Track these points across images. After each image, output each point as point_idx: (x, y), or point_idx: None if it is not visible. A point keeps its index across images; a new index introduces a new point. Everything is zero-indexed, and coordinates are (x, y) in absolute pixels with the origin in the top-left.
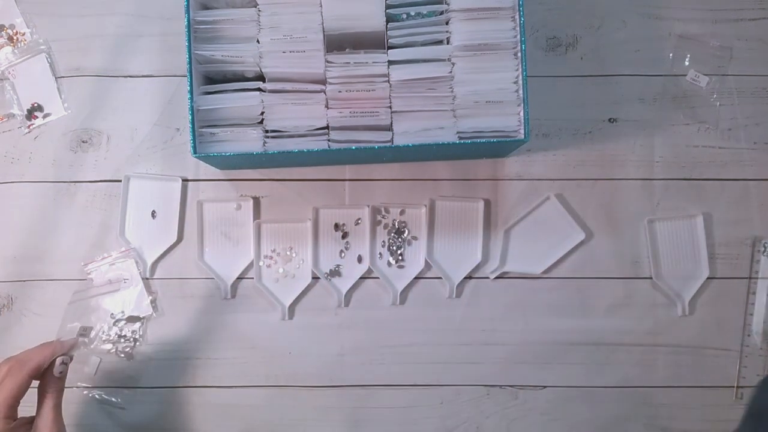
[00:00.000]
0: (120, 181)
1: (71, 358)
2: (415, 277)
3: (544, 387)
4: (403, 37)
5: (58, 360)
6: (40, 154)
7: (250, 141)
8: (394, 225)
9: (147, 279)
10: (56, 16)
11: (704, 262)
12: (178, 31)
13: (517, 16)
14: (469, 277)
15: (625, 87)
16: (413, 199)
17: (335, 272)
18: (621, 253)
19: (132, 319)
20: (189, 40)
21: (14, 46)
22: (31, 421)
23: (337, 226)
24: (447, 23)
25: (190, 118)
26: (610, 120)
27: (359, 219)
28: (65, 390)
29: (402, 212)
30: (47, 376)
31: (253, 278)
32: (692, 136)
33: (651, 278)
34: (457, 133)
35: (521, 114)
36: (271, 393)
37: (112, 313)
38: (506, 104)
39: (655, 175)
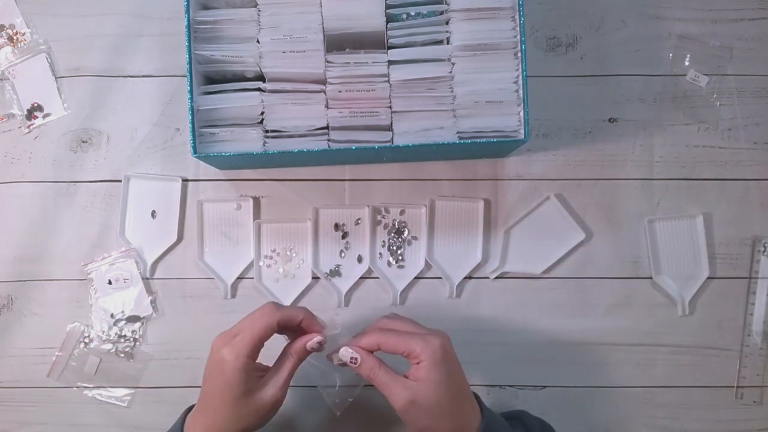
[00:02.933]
0: (120, 181)
1: (324, 343)
2: (415, 277)
3: (544, 387)
4: (403, 37)
5: (317, 338)
6: (40, 154)
7: (250, 141)
8: (394, 225)
9: (147, 279)
10: (56, 16)
11: (704, 262)
12: (178, 31)
13: (517, 16)
14: (469, 277)
15: (625, 87)
16: (413, 199)
17: (335, 272)
18: (621, 253)
19: (132, 319)
20: (189, 40)
21: (14, 46)
22: (264, 371)
23: (337, 226)
24: (447, 23)
25: (190, 118)
26: (610, 120)
27: (359, 219)
28: (66, 390)
29: (402, 212)
30: (298, 340)
31: (253, 278)
32: (692, 136)
33: (651, 278)
34: (457, 133)
35: (521, 114)
36: None
37: (112, 313)
38: (506, 104)
39: (655, 175)
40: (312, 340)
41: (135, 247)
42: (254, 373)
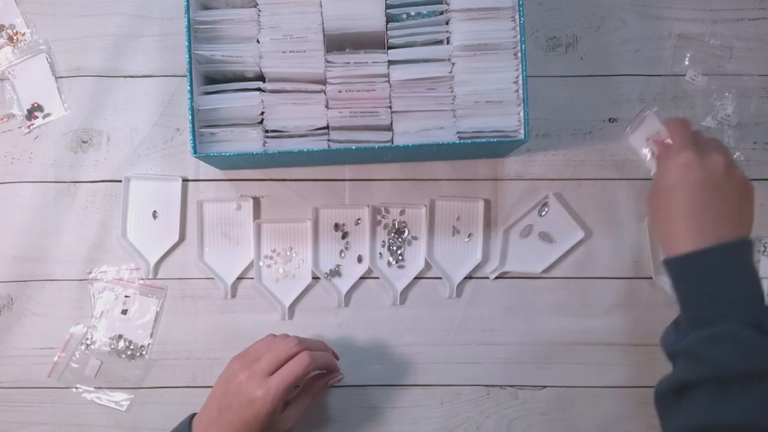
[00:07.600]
0: (120, 181)
1: (342, 379)
2: (415, 277)
3: (544, 387)
4: (403, 37)
5: (339, 377)
6: (40, 154)
7: (250, 141)
8: (394, 225)
9: (149, 279)
10: (56, 16)
11: None
12: (178, 31)
13: (517, 16)
14: (469, 277)
15: (625, 87)
16: (413, 199)
17: (335, 272)
18: (621, 253)
19: (132, 320)
20: (189, 40)
21: (14, 46)
22: (286, 403)
23: (337, 226)
24: (447, 23)
25: (190, 118)
26: (610, 120)
27: (359, 219)
28: (66, 390)
29: (402, 212)
30: (321, 379)
31: (253, 278)
32: None
33: (651, 278)
34: (457, 133)
35: (521, 114)
36: None
37: (113, 314)
38: (506, 104)
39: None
40: (334, 378)
41: (137, 249)
42: (280, 409)
